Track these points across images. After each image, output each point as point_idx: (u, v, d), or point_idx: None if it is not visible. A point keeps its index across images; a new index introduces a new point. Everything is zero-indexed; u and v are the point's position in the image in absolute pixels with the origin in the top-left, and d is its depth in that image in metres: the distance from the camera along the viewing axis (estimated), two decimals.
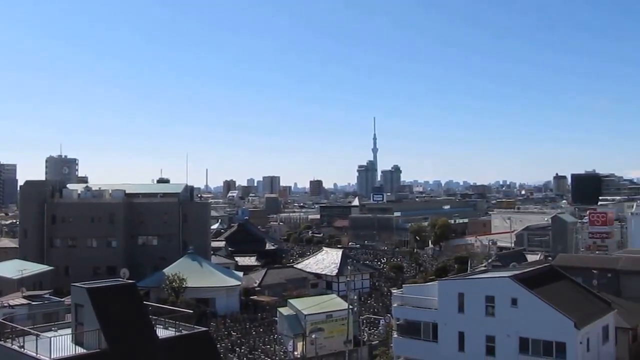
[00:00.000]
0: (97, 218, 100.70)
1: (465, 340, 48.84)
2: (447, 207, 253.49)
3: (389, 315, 67.95)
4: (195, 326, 33.59)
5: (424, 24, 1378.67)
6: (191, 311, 40.06)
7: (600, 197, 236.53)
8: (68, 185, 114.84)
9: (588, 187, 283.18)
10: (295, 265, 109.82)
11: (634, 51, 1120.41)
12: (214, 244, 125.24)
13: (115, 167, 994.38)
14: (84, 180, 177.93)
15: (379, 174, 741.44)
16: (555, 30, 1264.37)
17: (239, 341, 69.05)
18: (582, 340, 44.58)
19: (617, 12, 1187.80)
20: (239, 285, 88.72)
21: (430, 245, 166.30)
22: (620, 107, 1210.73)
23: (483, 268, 78.59)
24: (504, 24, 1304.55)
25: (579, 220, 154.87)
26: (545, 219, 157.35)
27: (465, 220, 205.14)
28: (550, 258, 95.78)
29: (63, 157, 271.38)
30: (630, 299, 65.21)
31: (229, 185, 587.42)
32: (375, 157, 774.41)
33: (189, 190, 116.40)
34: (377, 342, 69.07)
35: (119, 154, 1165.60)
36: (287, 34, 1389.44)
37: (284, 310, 69.40)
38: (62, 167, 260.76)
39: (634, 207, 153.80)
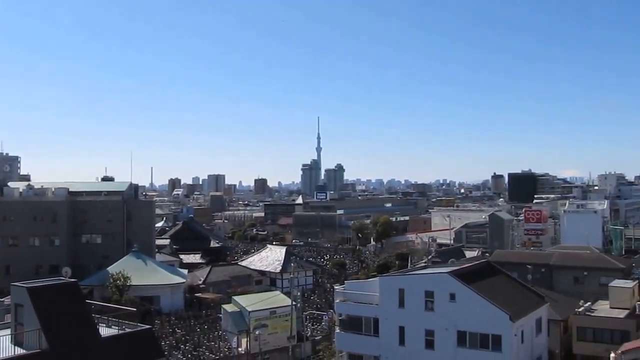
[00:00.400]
0: (39, 217, 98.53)
1: (406, 334, 50.05)
2: (388, 205, 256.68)
3: (331, 310, 68.95)
4: (138, 324, 33.49)
5: (363, 23, 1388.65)
6: (134, 309, 39.88)
7: (535, 196, 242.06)
8: (9, 184, 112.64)
9: (524, 186, 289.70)
10: (239, 263, 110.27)
11: (562, 50, 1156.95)
12: (159, 242, 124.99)
13: (58, 165, 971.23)
14: (26, 178, 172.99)
15: (323, 172, 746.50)
16: (486, 29, 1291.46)
17: (183, 338, 69.05)
18: (517, 333, 46.29)
19: (538, 11, 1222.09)
20: (184, 282, 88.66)
21: (372, 243, 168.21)
22: (554, 107, 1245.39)
23: (423, 264, 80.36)
24: (437, 22, 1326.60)
25: (515, 218, 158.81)
26: (483, 216, 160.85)
27: (406, 218, 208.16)
28: (487, 254, 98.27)
29: (4, 154, 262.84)
30: (562, 293, 67.99)
31: (174, 183, 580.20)
32: (319, 156, 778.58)
33: (134, 188, 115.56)
34: (320, 337, 70.18)
35: (63, 152, 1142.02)
36: (230, 33, 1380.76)
37: (228, 307, 70.06)
38: (4, 165, 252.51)
39: (567, 205, 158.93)
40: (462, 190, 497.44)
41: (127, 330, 32.15)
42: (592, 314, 59.91)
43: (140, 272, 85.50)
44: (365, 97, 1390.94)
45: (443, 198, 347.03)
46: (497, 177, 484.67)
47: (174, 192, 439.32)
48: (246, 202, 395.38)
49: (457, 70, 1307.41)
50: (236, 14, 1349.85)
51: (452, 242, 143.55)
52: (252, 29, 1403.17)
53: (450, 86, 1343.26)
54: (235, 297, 73.12)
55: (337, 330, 56.24)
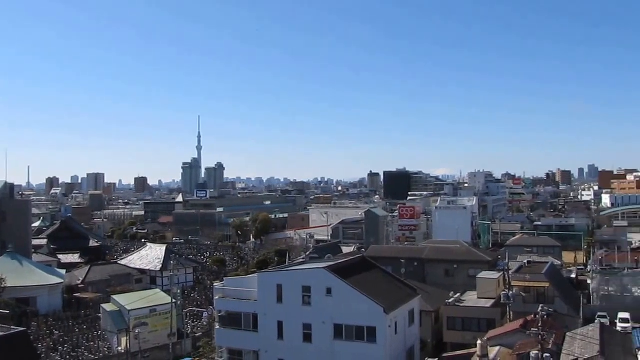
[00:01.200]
0: None
1: (284, 328, 50.66)
2: (268, 202, 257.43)
3: (211, 307, 68.66)
4: (12, 327, 32.24)
5: (236, 23, 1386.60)
6: (7, 312, 38.22)
7: (409, 193, 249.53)
8: None
9: (399, 184, 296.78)
10: (119, 262, 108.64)
11: (437, 50, 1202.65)
12: (36, 242, 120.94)
13: None
14: None
15: (203, 171, 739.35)
16: (360, 25, 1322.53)
17: (61, 340, 66.60)
18: (391, 324, 47.91)
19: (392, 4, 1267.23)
20: (62, 283, 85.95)
21: (252, 239, 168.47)
22: (428, 108, 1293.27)
23: (301, 260, 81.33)
24: (309, 23, 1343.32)
25: (390, 214, 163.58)
26: (360, 213, 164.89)
27: (285, 215, 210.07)
28: (363, 249, 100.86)
29: None
30: (433, 285, 71.13)
31: (52, 182, 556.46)
32: (199, 154, 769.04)
33: (9, 187, 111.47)
34: (201, 334, 69.93)
35: None
36: (102, 31, 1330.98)
37: (108, 307, 68.84)
38: None
39: (438, 201, 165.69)
40: (340, 188, 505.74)
41: (0, 333, 30.89)
42: (461, 305, 63.18)
43: (16, 274, 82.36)
44: (244, 97, 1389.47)
45: (321, 196, 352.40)
46: (373, 175, 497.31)
47: (52, 191, 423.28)
48: (126, 201, 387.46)
49: (335, 70, 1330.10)
50: (110, 17, 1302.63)
51: (329, 238, 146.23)
52: (131, 29, 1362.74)
53: (329, 86, 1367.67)
54: (115, 296, 71.83)
55: (217, 326, 56.12)
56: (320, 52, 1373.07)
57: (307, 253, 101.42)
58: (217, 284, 61.05)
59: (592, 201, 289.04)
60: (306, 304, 49.89)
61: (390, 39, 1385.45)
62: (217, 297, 56.72)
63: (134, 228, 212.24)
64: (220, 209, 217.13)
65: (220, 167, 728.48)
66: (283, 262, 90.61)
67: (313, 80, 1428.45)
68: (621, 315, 72.21)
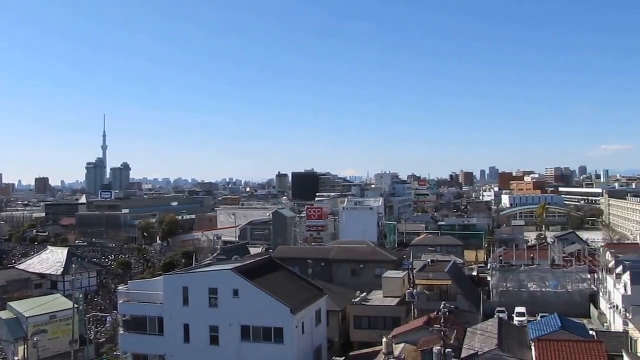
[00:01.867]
0: None
1: (191, 331, 50.03)
2: (175, 204, 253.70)
3: (115, 312, 66.94)
4: None
5: (136, 20, 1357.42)
6: None
7: (317, 194, 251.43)
8: None
9: (307, 185, 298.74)
10: (17, 266, 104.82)
11: (341, 45, 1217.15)
12: None
13: None
14: None
15: (109, 171, 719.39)
16: (270, 23, 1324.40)
17: None
18: (298, 325, 48.19)
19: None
20: None
21: (159, 241, 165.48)
22: (335, 109, 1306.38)
23: (208, 262, 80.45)
24: (219, 23, 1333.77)
25: (298, 215, 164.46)
26: (268, 214, 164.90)
27: (193, 217, 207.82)
28: (271, 250, 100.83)
29: None
30: (340, 285, 71.91)
31: None
32: (104, 154, 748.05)
33: None
34: (105, 340, 68.10)
35: None
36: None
37: (4, 314, 65.72)
38: None
39: (345, 202, 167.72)
40: (248, 189, 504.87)
41: None
42: (367, 304, 64.17)
43: None
44: (151, 97, 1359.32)
45: (229, 197, 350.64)
46: (281, 177, 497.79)
47: None
48: (26, 202, 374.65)
49: (243, 70, 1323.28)
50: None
51: (237, 239, 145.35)
52: (34, 26, 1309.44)
53: (235, 86, 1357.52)
54: (11, 303, 68.69)
55: (122, 331, 54.75)
56: (227, 51, 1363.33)
57: (215, 255, 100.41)
58: (121, 288, 59.70)
59: (493, 202, 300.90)
60: (213, 306, 49.48)
61: (294, 35, 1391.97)
62: (121, 301, 55.31)
63: (34, 231, 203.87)
64: (125, 211, 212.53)
65: (126, 168, 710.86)
66: (190, 264, 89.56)
67: (221, 80, 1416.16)
68: (518, 309, 75.49)
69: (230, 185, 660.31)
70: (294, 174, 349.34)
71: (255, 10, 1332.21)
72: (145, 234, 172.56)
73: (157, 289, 52.60)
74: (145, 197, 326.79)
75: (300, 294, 53.06)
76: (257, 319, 47.82)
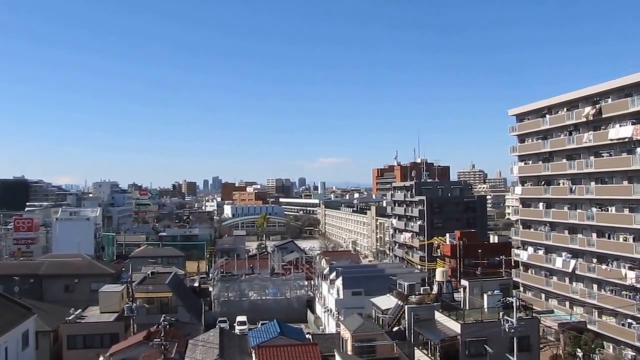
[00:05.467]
0: None
1: None
2: None
3: None
4: None
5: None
6: None
7: (27, 204, 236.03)
8: None
9: (15, 193, 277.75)
10: None
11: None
12: None
13: None
14: None
15: None
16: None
17: None
18: (0, 350, 43.51)
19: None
20: None
21: None
22: (43, 115, 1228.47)
23: None
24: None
25: (4, 227, 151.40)
26: None
27: None
28: None
29: None
30: (53, 302, 66.93)
31: None
32: None
33: None
34: None
35: None
36: None
37: None
38: None
39: (59, 212, 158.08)
40: None
41: None
42: (83, 321, 60.36)
43: None
44: None
45: None
46: None
47: None
48: None
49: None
50: None
51: None
52: None
53: None
54: None
55: None
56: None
57: None
58: None
59: (215, 212, 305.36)
60: None
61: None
62: None
63: None
64: None
65: None
66: None
67: None
68: (239, 318, 77.26)
69: None
70: (1, 181, 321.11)
71: None
72: None
73: None
74: None
75: (3, 315, 47.96)
76: None
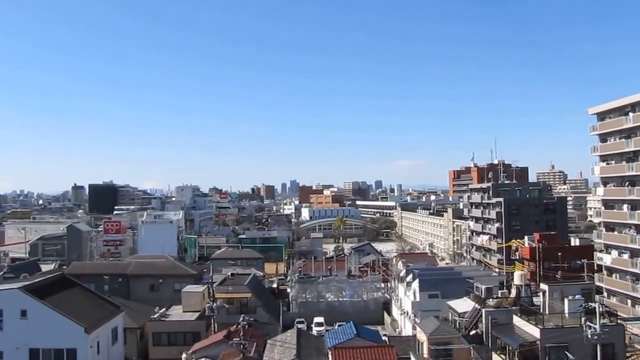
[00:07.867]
0: None
1: None
2: None
3: None
4: None
5: None
6: None
7: (115, 207, 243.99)
8: None
9: (105, 197, 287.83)
10: None
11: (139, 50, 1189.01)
12: None
13: None
14: None
15: None
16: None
17: None
18: (93, 344, 46.06)
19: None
20: None
21: None
22: (133, 116, 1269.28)
23: None
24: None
25: (95, 229, 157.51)
26: (61, 228, 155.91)
27: None
28: (64, 267, 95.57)
29: None
30: (139, 301, 69.90)
31: None
32: None
33: None
34: None
35: None
36: None
37: None
38: None
39: (145, 215, 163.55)
40: (41, 202, 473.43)
41: None
42: (166, 319, 62.87)
43: None
44: None
45: (19, 210, 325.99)
46: (77, 188, 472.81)
47: None
48: None
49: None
50: None
51: (27, 255, 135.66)
52: None
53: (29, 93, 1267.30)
54: None
55: None
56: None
57: (1, 273, 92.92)
58: None
59: (293, 214, 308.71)
60: None
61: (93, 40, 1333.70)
62: None
63: None
64: None
65: None
66: None
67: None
68: (316, 319, 78.15)
69: (20, 197, 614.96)
70: (91, 186, 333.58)
71: None
72: None
73: None
74: None
75: (95, 311, 50.77)
76: (48, 340, 45.04)
